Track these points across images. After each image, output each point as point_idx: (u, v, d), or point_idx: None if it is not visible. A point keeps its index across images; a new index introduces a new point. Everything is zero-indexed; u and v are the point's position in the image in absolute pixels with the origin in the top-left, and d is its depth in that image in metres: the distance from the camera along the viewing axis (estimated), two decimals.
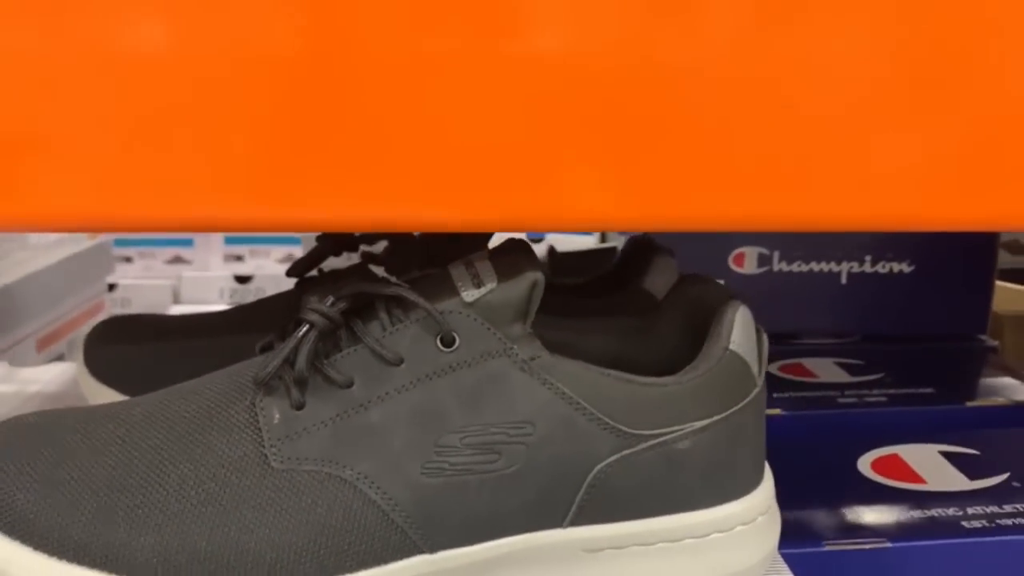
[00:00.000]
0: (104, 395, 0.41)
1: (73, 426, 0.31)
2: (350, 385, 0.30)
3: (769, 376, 0.64)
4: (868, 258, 0.72)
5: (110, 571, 0.27)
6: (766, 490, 0.33)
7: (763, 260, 0.71)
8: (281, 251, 1.03)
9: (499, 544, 0.30)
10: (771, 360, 0.66)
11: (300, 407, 0.30)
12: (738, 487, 0.32)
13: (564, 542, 0.30)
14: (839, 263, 0.72)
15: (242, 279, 0.96)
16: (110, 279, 0.86)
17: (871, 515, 0.47)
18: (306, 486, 0.29)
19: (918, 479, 0.51)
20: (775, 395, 0.60)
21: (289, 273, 0.41)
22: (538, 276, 0.30)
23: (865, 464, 0.53)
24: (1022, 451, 0.55)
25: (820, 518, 0.46)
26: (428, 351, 0.30)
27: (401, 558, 0.29)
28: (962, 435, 0.56)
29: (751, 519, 0.32)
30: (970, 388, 0.62)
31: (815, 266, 0.72)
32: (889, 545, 0.45)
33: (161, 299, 1.01)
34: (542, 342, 0.30)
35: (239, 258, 1.06)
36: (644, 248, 0.40)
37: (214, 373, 0.32)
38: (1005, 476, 0.51)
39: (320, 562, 0.28)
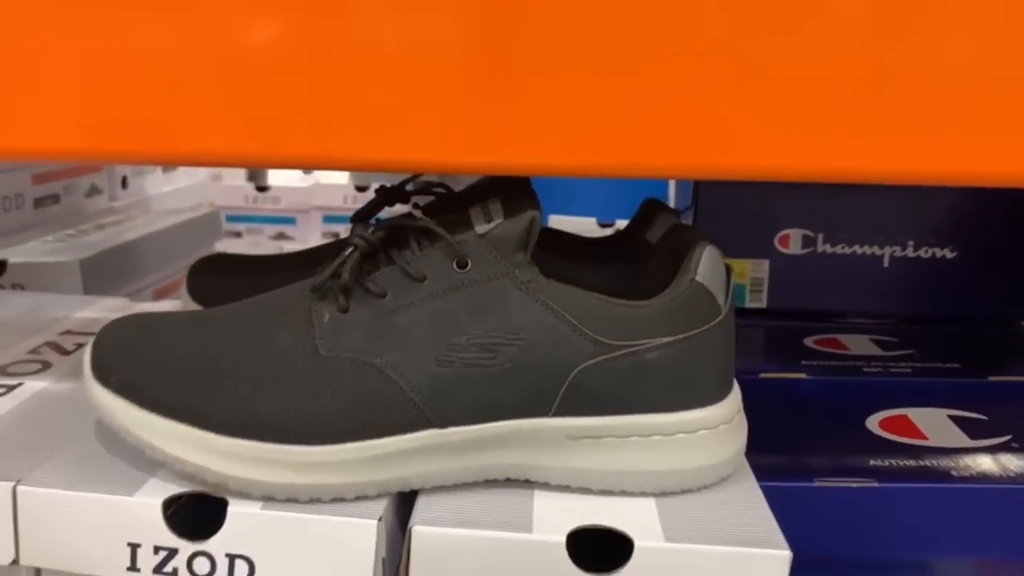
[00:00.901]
0: None
1: (168, 321, 0.40)
2: (384, 296, 0.38)
3: (802, 347, 0.68)
4: (911, 243, 0.73)
5: (192, 424, 0.36)
6: (730, 405, 0.39)
7: (808, 241, 0.74)
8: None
9: (496, 426, 0.37)
10: (807, 334, 0.71)
11: (344, 311, 0.38)
12: (702, 398, 0.38)
13: (550, 428, 0.37)
14: (882, 247, 0.74)
15: None
16: (219, 247, 0.97)
17: (866, 461, 0.51)
18: (346, 370, 0.37)
19: (921, 436, 0.55)
20: (803, 362, 0.64)
21: (352, 220, 0.49)
22: (535, 214, 0.37)
23: (873, 422, 0.57)
24: None
25: (817, 461, 0.51)
26: (446, 271, 0.37)
27: (416, 430, 0.37)
28: (975, 403, 0.59)
29: (714, 426, 0.39)
30: (997, 366, 0.64)
31: (858, 249, 0.74)
32: (876, 485, 0.49)
33: None
34: (556, 278, 0.37)
35: (335, 236, 1.17)
36: (652, 208, 0.46)
37: (272, 291, 0.41)
38: (1007, 438, 0.54)
39: (353, 428, 0.36)
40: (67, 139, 0.34)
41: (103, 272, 0.72)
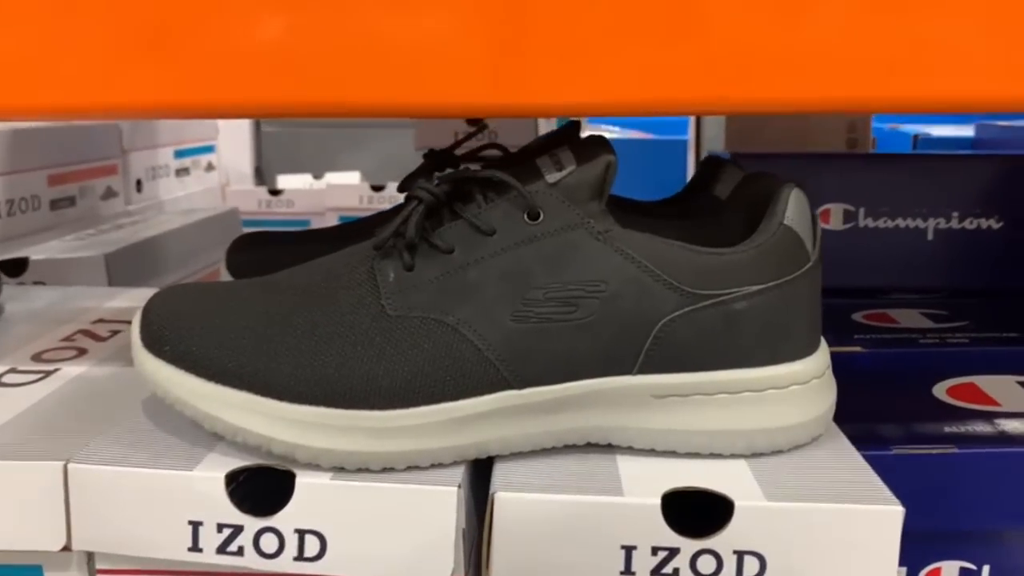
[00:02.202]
0: None
1: (220, 289, 0.37)
2: (451, 251, 0.35)
3: (851, 322, 0.66)
4: (955, 215, 0.72)
5: (255, 392, 0.34)
6: (820, 359, 0.37)
7: (849, 216, 0.72)
8: None
9: (578, 385, 0.35)
10: (854, 310, 0.68)
11: (410, 268, 0.35)
12: (793, 350, 0.36)
13: (634, 387, 0.35)
14: (925, 220, 0.72)
15: None
16: None
17: (940, 428, 0.49)
18: (415, 329, 0.34)
19: (992, 402, 0.53)
20: (856, 336, 0.62)
21: (400, 188, 0.47)
22: (612, 158, 0.35)
23: (941, 390, 0.55)
24: None
25: (889, 430, 0.49)
26: (517, 224, 0.35)
27: (494, 391, 0.34)
28: None
29: (805, 380, 0.36)
30: None
31: (901, 222, 0.72)
32: (956, 451, 0.47)
33: None
34: None
35: None
36: (716, 163, 0.44)
37: (329, 255, 0.38)
38: None
39: (426, 390, 0.34)
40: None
41: (127, 267, 0.70)
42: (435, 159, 0.46)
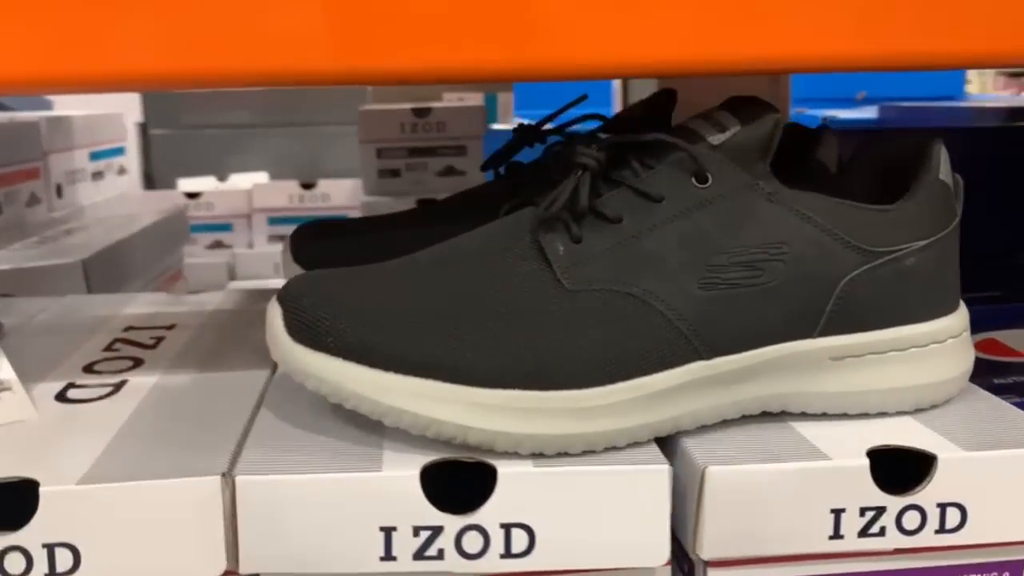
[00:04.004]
0: None
1: (368, 273, 0.34)
2: (619, 220, 0.34)
3: None
4: None
5: (443, 379, 0.31)
6: (963, 312, 0.38)
7: None
8: None
9: (762, 352, 0.34)
10: None
11: (578, 241, 0.33)
12: (947, 304, 0.37)
13: (814, 350, 0.35)
14: None
15: None
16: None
17: (991, 380, 0.51)
18: (600, 303, 0.32)
19: (1017, 353, 0.56)
20: None
21: (483, 168, 0.45)
22: (778, 116, 0.34)
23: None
24: None
25: None
26: (686, 188, 0.34)
27: (685, 363, 0.33)
28: None
29: (958, 334, 0.37)
30: None
31: None
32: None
33: (219, 276, 1.04)
34: None
35: (282, 238, 1.09)
36: (795, 132, 0.44)
37: (472, 232, 0.36)
38: None
39: (621, 366, 0.32)
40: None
41: (103, 273, 0.63)
42: (524, 134, 0.44)
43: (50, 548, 0.29)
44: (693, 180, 0.34)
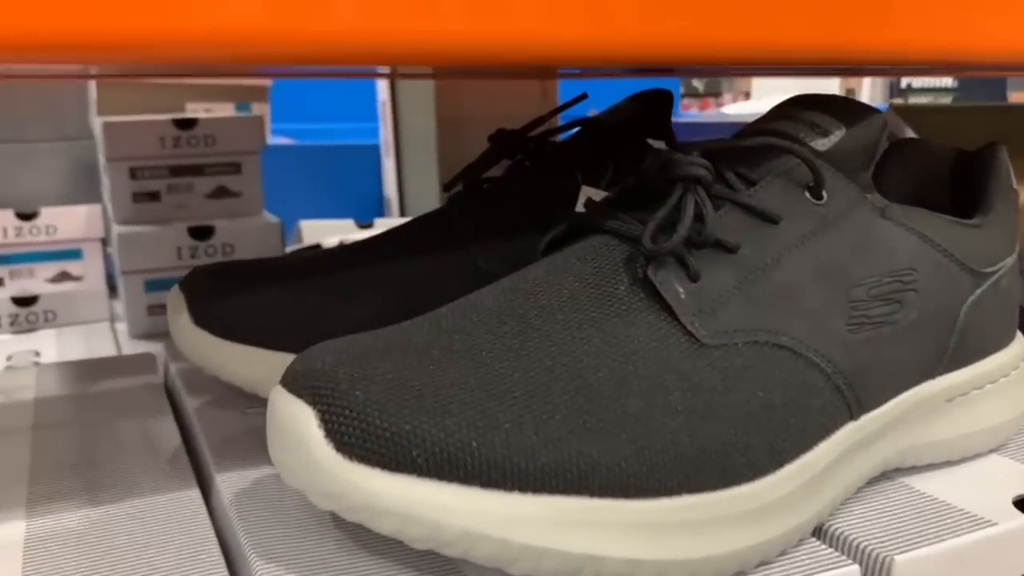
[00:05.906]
0: (222, 349, 0.31)
1: (419, 345, 0.23)
2: (737, 248, 0.26)
3: None
4: None
5: (587, 494, 0.21)
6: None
7: None
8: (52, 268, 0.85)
9: (898, 402, 0.28)
10: None
11: (696, 278, 0.25)
12: (1016, 326, 0.33)
13: (935, 393, 0.29)
14: None
15: (21, 300, 0.78)
16: None
17: None
18: (748, 359, 0.24)
19: None
20: None
21: (446, 187, 0.34)
22: (884, 117, 0.28)
23: None
24: None
25: None
26: (802, 205, 0.27)
27: (838, 427, 0.26)
28: None
29: None
30: None
31: None
32: None
33: None
34: None
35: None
36: None
37: (526, 274, 0.26)
38: None
39: (789, 443, 0.24)
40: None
41: None
42: (502, 140, 0.34)
43: None
44: (807, 195, 0.27)
